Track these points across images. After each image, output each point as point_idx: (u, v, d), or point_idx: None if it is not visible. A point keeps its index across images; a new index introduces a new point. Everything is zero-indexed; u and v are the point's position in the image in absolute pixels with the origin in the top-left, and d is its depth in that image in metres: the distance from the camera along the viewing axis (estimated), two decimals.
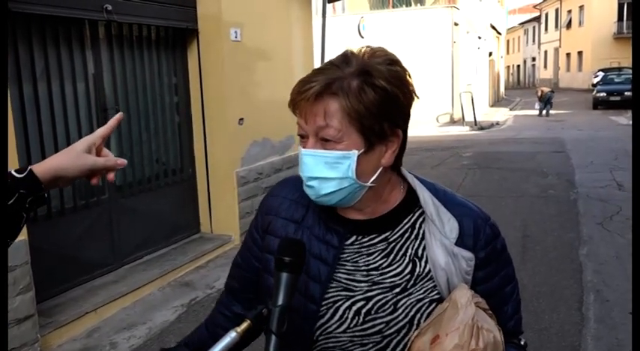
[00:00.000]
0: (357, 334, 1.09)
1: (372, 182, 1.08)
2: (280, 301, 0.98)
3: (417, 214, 1.14)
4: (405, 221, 1.14)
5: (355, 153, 1.05)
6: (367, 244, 1.13)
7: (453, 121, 20.03)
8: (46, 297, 4.29)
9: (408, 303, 1.09)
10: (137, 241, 5.31)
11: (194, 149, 6.10)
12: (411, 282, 1.10)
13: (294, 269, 1.00)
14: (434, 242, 1.10)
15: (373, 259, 1.12)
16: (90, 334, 4.21)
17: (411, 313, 1.09)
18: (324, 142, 1.05)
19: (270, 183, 6.59)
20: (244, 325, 0.97)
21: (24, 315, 3.68)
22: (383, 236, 1.13)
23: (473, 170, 10.56)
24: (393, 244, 1.13)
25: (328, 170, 1.05)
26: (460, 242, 1.11)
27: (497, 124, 20.60)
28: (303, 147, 1.08)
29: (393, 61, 1.08)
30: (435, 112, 19.78)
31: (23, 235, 3.72)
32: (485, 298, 1.10)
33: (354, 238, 1.14)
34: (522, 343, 1.19)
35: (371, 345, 1.09)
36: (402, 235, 1.13)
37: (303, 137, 1.08)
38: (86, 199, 4.78)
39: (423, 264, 1.11)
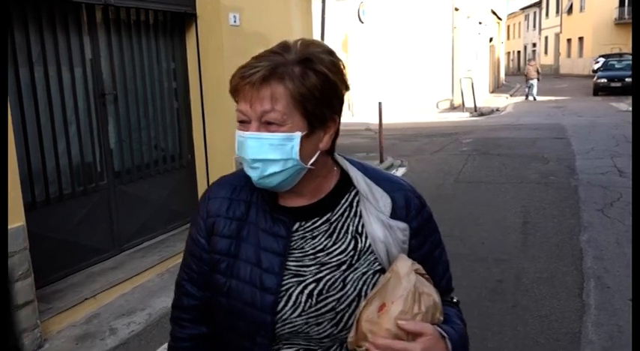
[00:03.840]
0: (311, 315, 1.14)
1: (311, 164, 1.14)
2: None
3: (352, 194, 1.21)
4: (343, 202, 1.20)
5: (299, 135, 1.09)
6: (311, 228, 1.18)
7: (452, 107, 19.95)
8: (45, 283, 4.28)
9: (354, 277, 1.15)
10: (136, 227, 5.29)
11: (193, 135, 6.06)
12: (355, 257, 1.17)
13: None
14: (371, 218, 1.17)
15: (318, 241, 1.18)
16: (89, 320, 4.21)
17: (359, 287, 1.15)
18: (268, 126, 1.08)
19: None
20: None
21: (23, 301, 3.67)
22: (324, 218, 1.19)
23: (473, 156, 10.53)
24: (335, 223, 1.19)
25: (272, 152, 1.09)
26: (394, 215, 1.18)
27: (498, 110, 20.53)
28: (246, 131, 1.10)
29: (330, 52, 1.14)
30: (435, 98, 19.70)
31: (21, 221, 3.70)
32: (420, 263, 1.16)
33: (297, 224, 1.19)
34: (455, 300, 1.28)
35: (326, 322, 1.15)
36: (341, 215, 1.19)
37: (244, 122, 1.11)
38: (85, 185, 4.75)
39: (363, 239, 1.17)
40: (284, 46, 1.12)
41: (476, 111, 18.86)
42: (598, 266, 4.93)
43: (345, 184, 1.21)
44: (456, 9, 20.11)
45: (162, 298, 4.52)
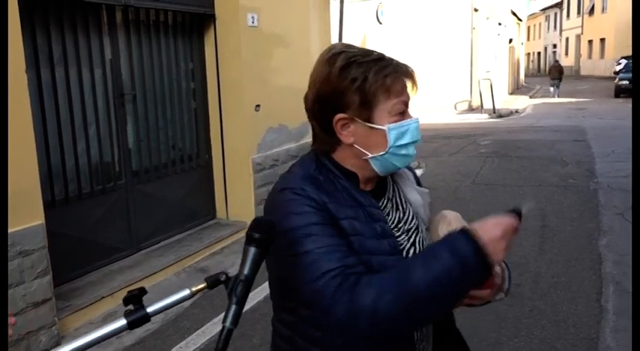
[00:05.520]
0: None
1: None
2: (246, 272, 1.05)
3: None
4: (388, 181, 1.43)
5: None
6: (382, 207, 1.37)
7: (471, 109, 19.80)
8: (63, 281, 4.34)
9: (425, 235, 1.41)
10: (153, 226, 5.34)
11: (210, 135, 6.10)
12: (416, 219, 1.42)
13: (262, 245, 1.06)
14: (409, 189, 1.44)
15: (392, 216, 1.38)
16: (106, 318, 4.25)
17: (428, 242, 1.40)
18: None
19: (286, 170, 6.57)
20: (200, 286, 1.08)
21: (41, 298, 3.72)
22: (386, 197, 1.40)
23: (491, 158, 10.45)
24: (393, 199, 1.41)
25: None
26: (417, 184, 1.50)
27: (517, 111, 20.33)
28: (409, 118, 1.31)
29: None
30: (453, 99, 19.57)
31: (40, 219, 3.75)
32: None
33: None
34: None
35: None
36: (394, 191, 1.43)
37: (402, 113, 1.30)
38: (103, 184, 4.80)
39: (412, 206, 1.43)
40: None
41: (494, 112, 18.71)
42: (618, 271, 4.86)
43: None
44: (476, 10, 19.96)
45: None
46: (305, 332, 1.31)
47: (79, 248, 4.55)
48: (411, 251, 1.35)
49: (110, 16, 4.82)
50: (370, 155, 1.31)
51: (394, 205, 1.39)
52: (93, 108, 4.67)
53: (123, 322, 1.04)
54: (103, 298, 4.34)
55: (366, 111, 1.27)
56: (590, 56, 44.85)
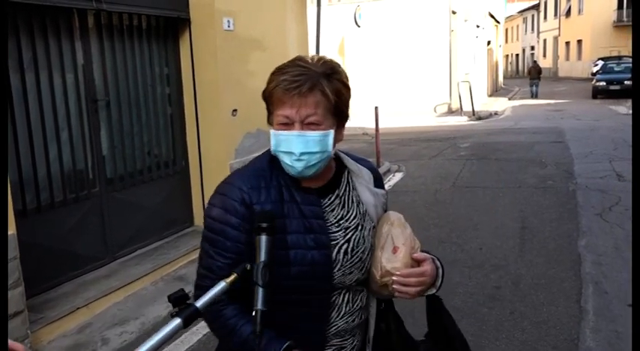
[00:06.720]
0: (347, 267, 1.49)
1: (333, 153, 1.48)
2: (262, 258, 1.23)
3: (346, 172, 1.57)
4: (343, 179, 1.56)
5: (332, 131, 1.43)
6: (328, 203, 1.51)
7: (450, 111, 19.91)
8: (36, 292, 4.23)
9: (366, 233, 1.54)
10: (129, 234, 5.23)
11: (187, 141, 6.01)
12: (362, 219, 1.54)
13: (270, 232, 1.27)
14: (362, 188, 1.57)
15: (336, 212, 1.52)
16: (81, 329, 4.15)
17: (370, 239, 1.54)
18: (309, 126, 1.39)
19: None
20: (232, 277, 1.21)
21: (13, 311, 3.61)
22: (335, 194, 1.53)
23: (471, 161, 10.49)
24: (343, 197, 1.54)
25: (315, 146, 1.40)
26: (375, 184, 1.60)
27: (496, 113, 20.50)
28: (290, 131, 1.40)
29: (339, 65, 1.48)
30: (433, 102, 19.67)
31: (12, 229, 3.64)
32: None
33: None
34: None
35: (355, 271, 1.51)
36: (345, 189, 1.55)
37: (286, 124, 1.40)
38: (77, 192, 4.70)
39: (362, 205, 1.55)
40: (305, 61, 1.42)
41: (474, 115, 18.82)
42: (596, 271, 4.88)
43: (341, 166, 1.57)
44: (454, 12, 20.11)
45: (155, 307, 4.46)
46: None
47: (52, 258, 4.43)
48: (344, 247, 1.49)
49: (82, 21, 4.72)
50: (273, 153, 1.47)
51: (341, 202, 1.53)
52: (65, 114, 4.57)
53: (177, 321, 1.12)
54: (78, 309, 4.24)
55: (270, 114, 1.47)
56: (567, 58, 45.47)
